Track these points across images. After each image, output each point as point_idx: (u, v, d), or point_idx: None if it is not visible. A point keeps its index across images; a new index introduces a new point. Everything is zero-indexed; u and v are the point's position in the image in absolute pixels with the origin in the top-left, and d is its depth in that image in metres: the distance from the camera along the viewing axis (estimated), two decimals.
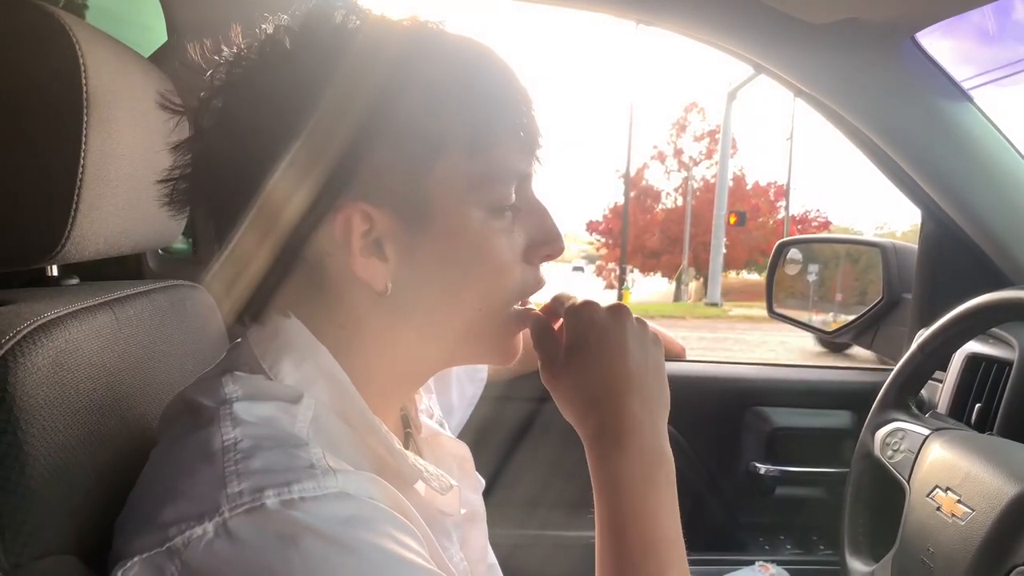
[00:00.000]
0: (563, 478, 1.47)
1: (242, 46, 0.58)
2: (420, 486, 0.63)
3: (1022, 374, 1.18)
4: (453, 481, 0.66)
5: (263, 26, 0.58)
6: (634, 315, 0.69)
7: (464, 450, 0.80)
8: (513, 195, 0.62)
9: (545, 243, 0.65)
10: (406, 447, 0.69)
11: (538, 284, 0.67)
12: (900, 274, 1.65)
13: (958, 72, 1.27)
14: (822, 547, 1.63)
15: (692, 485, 1.62)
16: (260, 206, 0.56)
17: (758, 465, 1.61)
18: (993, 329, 1.26)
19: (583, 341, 0.66)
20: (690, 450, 1.61)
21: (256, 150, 0.55)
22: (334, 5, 0.58)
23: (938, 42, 1.25)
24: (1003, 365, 1.23)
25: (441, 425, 0.83)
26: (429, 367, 0.70)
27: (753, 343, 13.88)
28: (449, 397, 1.04)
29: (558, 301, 0.72)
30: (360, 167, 0.56)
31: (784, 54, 1.31)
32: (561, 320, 0.71)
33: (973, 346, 1.30)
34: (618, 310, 0.68)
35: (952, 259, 1.48)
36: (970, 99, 1.30)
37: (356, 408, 0.59)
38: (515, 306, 0.66)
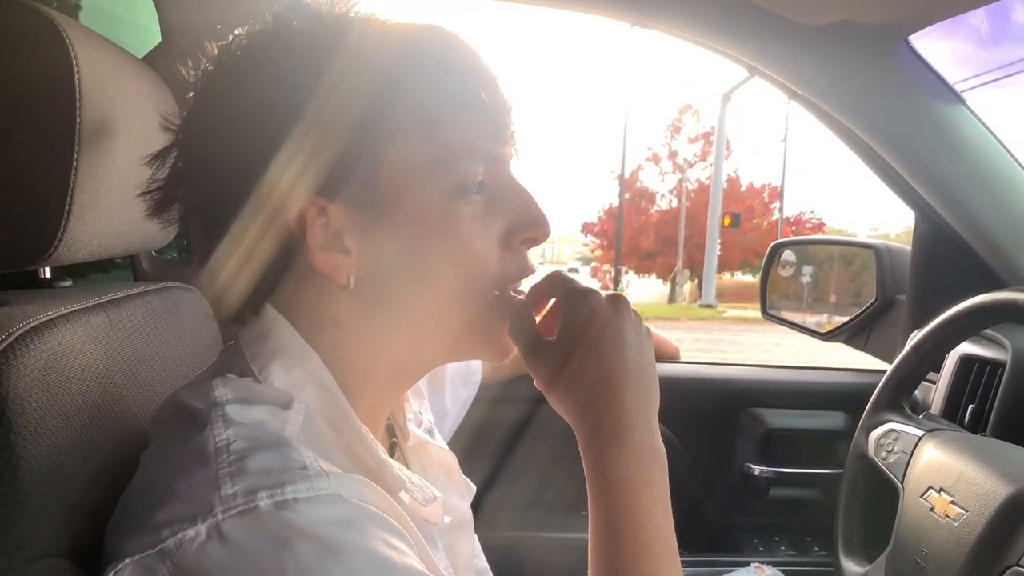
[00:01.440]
0: (559, 480, 1.47)
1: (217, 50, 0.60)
2: (404, 496, 0.62)
3: (1015, 375, 1.19)
4: (437, 493, 0.65)
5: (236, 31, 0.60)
6: (631, 306, 0.66)
7: (451, 458, 0.80)
8: (479, 175, 0.60)
9: (526, 226, 0.63)
10: (392, 455, 0.69)
11: (522, 271, 0.65)
12: (894, 275, 1.65)
13: (952, 74, 1.28)
14: (816, 548, 1.64)
15: (687, 486, 1.62)
16: (233, 206, 0.57)
17: (752, 466, 1.61)
18: (986, 330, 1.27)
19: (583, 330, 0.62)
20: (685, 451, 1.61)
21: (220, 150, 0.57)
22: (303, 5, 0.59)
23: (932, 45, 1.26)
24: (996, 366, 1.23)
25: (430, 432, 0.82)
26: (417, 365, 0.69)
27: (748, 344, 13.91)
28: (442, 401, 1.04)
29: (555, 281, 0.67)
30: (309, 160, 0.55)
31: (778, 56, 1.32)
32: (551, 303, 0.68)
33: (966, 347, 1.31)
34: (618, 300, 0.65)
35: (946, 260, 1.49)
36: (963, 101, 1.31)
37: (343, 414, 0.58)
38: (498, 294, 0.64)
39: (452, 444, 0.92)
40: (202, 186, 0.59)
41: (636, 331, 0.64)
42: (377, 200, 0.58)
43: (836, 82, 1.32)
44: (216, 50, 0.59)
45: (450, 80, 0.59)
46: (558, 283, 0.66)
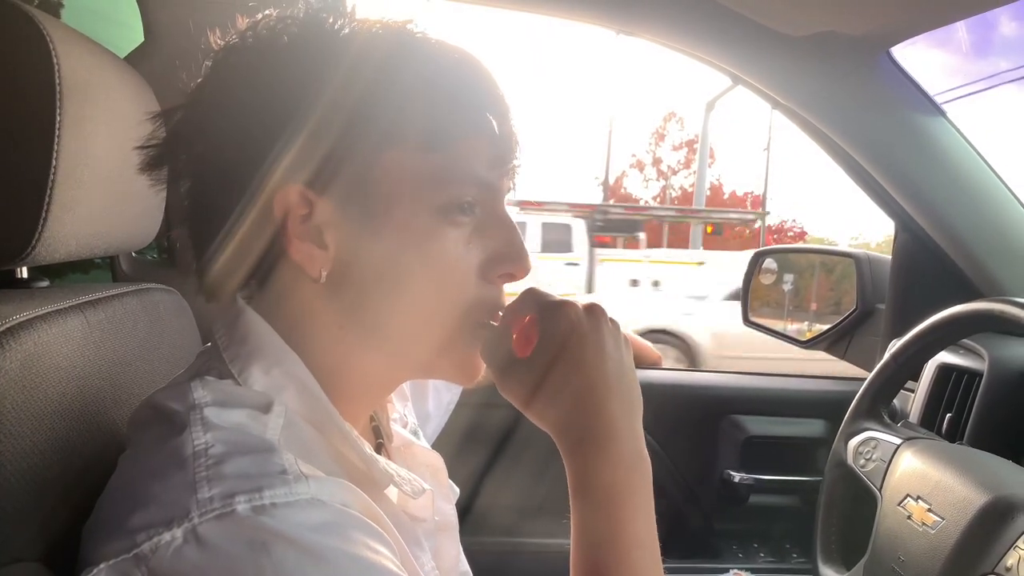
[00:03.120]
0: (547, 485, 1.47)
1: (221, 40, 0.59)
2: (392, 493, 0.62)
3: (991, 385, 1.20)
4: (426, 485, 0.65)
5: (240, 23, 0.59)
6: (608, 314, 0.66)
7: (437, 459, 0.80)
8: (470, 199, 0.60)
9: (506, 260, 0.63)
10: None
11: (495, 304, 0.64)
12: (874, 285, 1.67)
13: (933, 85, 1.29)
14: (795, 555, 1.65)
15: (668, 493, 1.63)
16: (224, 179, 0.57)
17: (733, 473, 1.62)
18: (964, 340, 1.28)
19: (563, 342, 0.61)
20: (666, 458, 1.61)
21: (225, 123, 0.57)
22: (310, 6, 0.59)
23: (913, 57, 1.27)
24: (973, 376, 1.24)
25: (415, 434, 0.82)
26: (390, 376, 0.68)
27: None
28: (425, 404, 1.03)
29: (530, 297, 0.66)
30: (307, 149, 0.55)
31: (761, 66, 1.33)
32: (527, 318, 0.67)
33: (944, 356, 1.32)
34: (594, 309, 0.64)
35: (925, 270, 1.50)
36: (943, 113, 1.32)
37: (326, 413, 0.58)
38: (471, 320, 0.63)
39: (438, 449, 0.91)
40: (199, 153, 0.58)
41: (615, 340, 0.64)
42: (364, 201, 0.57)
43: (818, 92, 1.33)
44: (243, 25, 0.59)
45: (465, 102, 0.59)
46: (534, 299, 0.65)
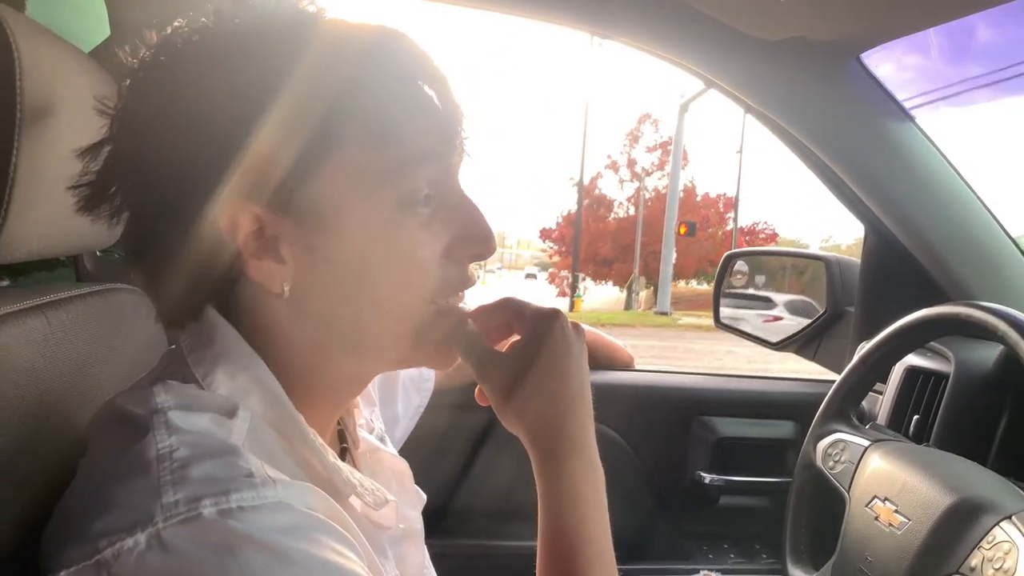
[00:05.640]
0: (521, 487, 1.47)
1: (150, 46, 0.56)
2: (356, 500, 0.61)
3: (957, 387, 1.22)
4: (390, 496, 0.65)
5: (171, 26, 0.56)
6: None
7: (403, 465, 0.79)
8: (426, 187, 0.58)
9: (471, 240, 0.62)
10: (343, 462, 0.68)
11: (463, 282, 0.63)
12: (844, 287, 1.69)
13: (901, 91, 1.31)
14: (765, 556, 1.66)
15: (638, 494, 1.63)
16: (164, 205, 0.54)
17: (703, 474, 1.62)
18: (931, 343, 1.30)
19: (550, 346, 0.64)
20: (637, 459, 1.62)
21: (152, 147, 0.54)
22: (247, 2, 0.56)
23: (882, 64, 1.29)
24: (940, 378, 1.26)
25: (382, 439, 0.81)
26: (361, 373, 0.68)
27: (701, 352, 14.08)
28: (394, 408, 1.03)
29: (511, 304, 0.69)
30: (244, 165, 0.52)
31: (734, 70, 1.34)
32: (496, 323, 0.70)
33: (912, 359, 1.33)
34: (579, 327, 0.68)
35: (893, 273, 1.52)
36: (912, 119, 1.34)
37: (291, 420, 0.57)
38: (439, 302, 0.62)
39: (412, 451, 0.91)
40: (134, 183, 0.56)
41: (585, 354, 0.68)
42: (316, 209, 0.55)
43: (790, 96, 1.34)
44: (156, 40, 0.56)
45: (401, 86, 0.57)
46: (515, 306, 0.69)
